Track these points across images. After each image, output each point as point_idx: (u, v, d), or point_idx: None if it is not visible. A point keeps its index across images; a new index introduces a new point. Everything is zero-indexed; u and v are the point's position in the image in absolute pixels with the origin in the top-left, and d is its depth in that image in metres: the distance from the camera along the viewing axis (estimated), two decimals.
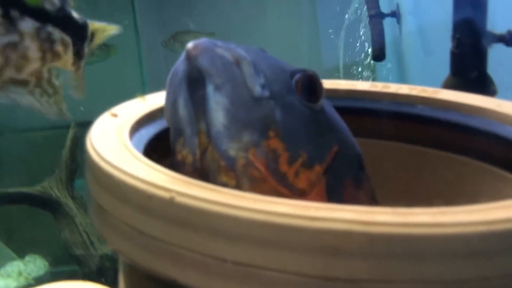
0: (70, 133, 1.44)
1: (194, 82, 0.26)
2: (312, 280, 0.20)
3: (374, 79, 1.47)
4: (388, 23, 1.19)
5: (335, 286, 0.20)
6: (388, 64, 1.29)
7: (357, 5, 1.41)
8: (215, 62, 0.26)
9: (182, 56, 0.27)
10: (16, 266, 1.34)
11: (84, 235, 1.32)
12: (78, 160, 1.46)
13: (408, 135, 0.36)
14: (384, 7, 1.18)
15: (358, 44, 1.44)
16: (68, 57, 0.39)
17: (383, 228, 0.20)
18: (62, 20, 0.38)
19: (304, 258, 0.20)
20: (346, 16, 1.45)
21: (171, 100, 0.27)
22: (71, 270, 1.43)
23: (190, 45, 0.26)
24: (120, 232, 0.24)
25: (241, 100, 0.26)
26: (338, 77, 1.49)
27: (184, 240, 0.22)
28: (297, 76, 0.28)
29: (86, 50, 0.42)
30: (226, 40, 0.28)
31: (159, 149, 0.31)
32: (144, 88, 1.68)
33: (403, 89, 0.38)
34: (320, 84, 0.29)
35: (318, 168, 0.27)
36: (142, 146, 0.30)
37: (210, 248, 0.21)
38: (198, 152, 0.26)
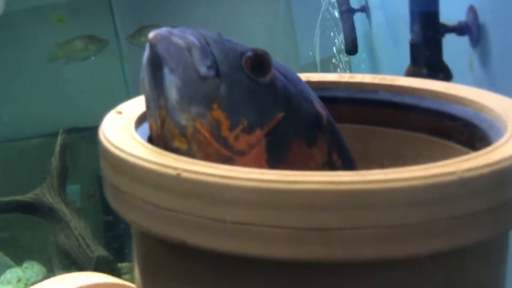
0: (59, 140, 1.47)
1: (155, 65, 0.32)
2: (294, 231, 0.26)
3: (350, 70, 1.54)
4: (359, 17, 1.25)
5: (312, 235, 0.26)
6: (361, 56, 1.35)
7: (330, 1, 1.47)
8: (170, 48, 0.32)
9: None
10: (15, 273, 1.37)
11: (80, 238, 1.36)
12: (68, 166, 1.50)
13: (372, 118, 0.42)
14: (354, 3, 1.24)
15: (332, 39, 1.50)
16: None
17: (348, 186, 0.26)
18: None
19: (287, 214, 0.26)
20: (320, 12, 1.51)
21: (141, 79, 0.34)
22: None
23: (151, 34, 0.33)
24: (135, 206, 0.29)
25: (189, 80, 0.32)
26: (316, 71, 1.55)
27: (190, 208, 0.27)
28: (247, 54, 0.34)
29: None
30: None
31: None
32: (127, 85, 1.72)
33: (367, 78, 0.44)
34: (267, 61, 0.34)
35: (258, 133, 0.33)
36: (146, 136, 0.35)
37: (212, 213, 0.26)
38: (159, 122, 0.33)
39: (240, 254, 0.26)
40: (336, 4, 1.25)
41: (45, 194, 1.44)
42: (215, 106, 0.32)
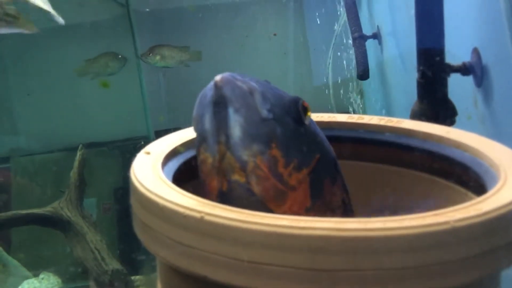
0: (78, 155, 1.52)
1: (219, 105, 0.36)
2: (304, 271, 0.29)
3: (361, 95, 1.57)
4: (371, 44, 1.29)
5: (320, 275, 0.29)
6: (373, 81, 1.38)
7: (342, 25, 1.50)
8: (235, 91, 0.36)
9: (211, 83, 0.37)
10: (32, 283, 1.42)
11: (96, 251, 1.40)
12: (85, 180, 1.55)
13: (378, 157, 0.45)
14: (367, 29, 1.27)
15: (345, 63, 1.54)
16: None
17: (352, 233, 0.29)
18: None
19: (298, 256, 0.29)
20: (334, 36, 1.55)
21: (199, 115, 0.37)
22: (82, 286, 1.50)
23: (218, 77, 0.36)
24: (163, 243, 0.33)
25: (252, 120, 0.36)
26: (328, 94, 1.58)
27: (212, 247, 0.31)
28: (300, 101, 0.38)
29: None
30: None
31: (183, 176, 0.40)
32: (145, 102, 1.76)
33: (374, 119, 0.47)
34: (308, 107, 0.39)
35: (304, 171, 0.37)
36: (171, 175, 0.39)
37: (231, 252, 0.30)
38: (217, 156, 0.36)
39: None
40: (348, 30, 1.28)
41: (63, 207, 1.49)
42: (273, 145, 0.36)
